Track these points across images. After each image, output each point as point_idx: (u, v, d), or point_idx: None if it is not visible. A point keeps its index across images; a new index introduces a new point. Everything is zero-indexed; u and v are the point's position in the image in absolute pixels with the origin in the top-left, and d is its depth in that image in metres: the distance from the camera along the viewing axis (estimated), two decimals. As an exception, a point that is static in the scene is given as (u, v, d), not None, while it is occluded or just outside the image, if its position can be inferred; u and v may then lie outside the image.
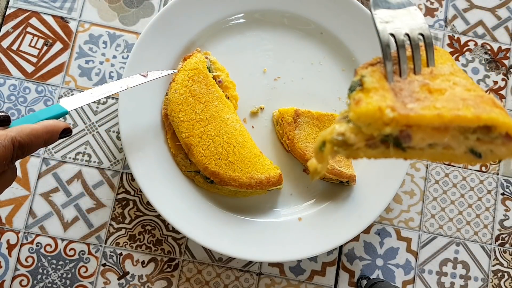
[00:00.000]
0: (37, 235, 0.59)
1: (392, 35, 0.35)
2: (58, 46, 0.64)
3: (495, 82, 0.67)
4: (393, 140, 0.30)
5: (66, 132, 0.44)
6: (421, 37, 0.35)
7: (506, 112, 0.30)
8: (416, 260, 0.62)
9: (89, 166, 0.61)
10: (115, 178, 0.61)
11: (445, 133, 0.29)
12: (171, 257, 0.60)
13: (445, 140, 0.30)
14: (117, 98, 0.62)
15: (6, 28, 0.63)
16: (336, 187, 0.61)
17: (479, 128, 0.30)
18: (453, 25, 0.68)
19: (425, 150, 0.31)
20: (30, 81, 0.62)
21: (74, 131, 0.62)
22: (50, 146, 0.61)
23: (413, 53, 0.34)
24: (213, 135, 0.57)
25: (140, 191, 0.60)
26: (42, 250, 0.59)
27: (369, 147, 0.31)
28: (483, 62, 0.67)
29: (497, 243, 0.63)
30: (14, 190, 0.60)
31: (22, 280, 0.58)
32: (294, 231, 0.58)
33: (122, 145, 0.56)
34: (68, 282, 0.58)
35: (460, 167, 0.64)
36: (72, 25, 0.64)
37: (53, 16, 0.64)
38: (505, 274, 0.62)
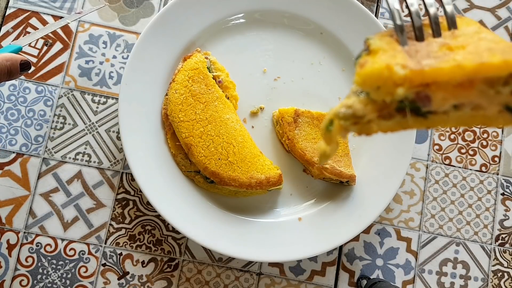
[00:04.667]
0: (37, 235, 0.59)
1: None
2: (58, 46, 0.64)
3: (495, 82, 0.67)
4: (410, 105, 0.26)
5: (25, 65, 0.48)
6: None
7: None
8: (416, 260, 0.62)
9: (89, 166, 0.61)
10: (115, 178, 0.61)
11: (470, 89, 0.25)
12: (171, 257, 0.60)
13: (471, 97, 0.25)
14: (117, 98, 0.62)
15: (6, 28, 0.63)
16: (336, 187, 0.61)
17: None
18: (453, 25, 0.68)
19: (450, 113, 0.26)
20: (30, 81, 0.62)
21: (74, 131, 0.62)
22: (50, 146, 0.61)
23: (429, 16, 0.30)
24: (213, 135, 0.57)
25: (140, 191, 0.60)
26: (42, 250, 0.59)
27: (383, 119, 0.27)
28: (483, 62, 0.67)
29: (497, 243, 0.63)
30: (14, 190, 0.60)
31: (22, 280, 0.58)
32: (294, 231, 0.58)
33: (122, 145, 0.56)
34: (68, 282, 0.58)
35: (460, 167, 0.64)
36: (72, 25, 0.64)
37: (53, 16, 0.64)
38: (505, 274, 0.62)
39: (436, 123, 0.27)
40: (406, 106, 0.26)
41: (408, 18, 0.30)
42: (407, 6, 0.30)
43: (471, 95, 0.25)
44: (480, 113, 0.26)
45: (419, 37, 0.29)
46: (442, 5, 0.30)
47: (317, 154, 0.29)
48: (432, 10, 0.30)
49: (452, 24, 0.29)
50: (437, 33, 0.29)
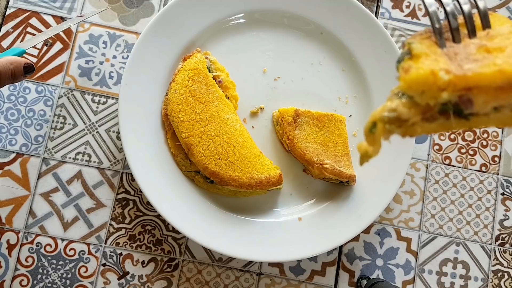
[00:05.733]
0: (37, 235, 0.59)
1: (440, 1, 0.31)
2: (58, 46, 0.64)
3: (495, 82, 0.67)
4: (453, 107, 0.27)
5: (29, 68, 0.49)
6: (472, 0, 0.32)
7: None
8: (416, 260, 0.62)
9: (89, 166, 0.61)
10: (115, 178, 0.61)
11: (510, 92, 0.26)
12: (171, 257, 0.60)
13: (511, 100, 0.26)
14: (117, 98, 0.62)
15: (6, 28, 0.63)
16: (336, 187, 0.61)
17: None
18: (453, 25, 0.68)
19: (491, 115, 0.27)
20: (30, 81, 0.62)
21: (74, 131, 0.62)
22: (50, 146, 0.61)
23: (464, 17, 0.31)
24: (213, 135, 0.57)
25: (140, 191, 0.60)
26: (42, 250, 0.59)
27: (426, 121, 0.28)
28: (483, 62, 0.67)
29: (497, 243, 0.63)
30: (14, 190, 0.60)
31: (22, 280, 0.58)
32: (294, 231, 0.58)
33: (122, 145, 0.56)
34: (68, 282, 0.58)
35: (460, 167, 0.64)
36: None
37: (53, 16, 0.64)
38: (505, 274, 0.62)
39: (477, 124, 0.28)
40: (449, 109, 0.27)
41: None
42: (442, 6, 0.31)
43: (511, 97, 0.26)
44: None
45: (456, 39, 0.30)
46: (475, 2, 0.31)
47: (359, 154, 0.30)
48: (466, 9, 0.30)
49: (486, 22, 0.30)
50: (472, 33, 0.30)
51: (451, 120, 0.28)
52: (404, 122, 0.28)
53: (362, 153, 0.30)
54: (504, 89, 0.26)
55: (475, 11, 0.31)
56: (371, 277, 0.61)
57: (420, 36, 0.31)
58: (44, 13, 0.64)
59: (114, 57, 0.64)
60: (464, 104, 0.26)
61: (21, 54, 0.52)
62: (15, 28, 0.63)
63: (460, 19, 0.31)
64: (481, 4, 0.31)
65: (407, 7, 0.68)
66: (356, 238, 0.61)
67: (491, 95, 0.26)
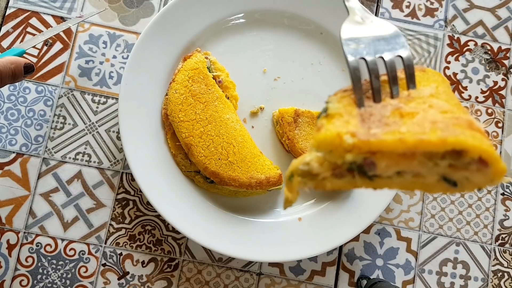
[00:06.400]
0: (37, 235, 0.59)
1: (364, 59, 0.32)
2: (58, 46, 0.64)
3: (495, 82, 0.67)
4: (358, 168, 0.28)
5: (29, 68, 0.49)
6: (399, 59, 0.32)
7: (483, 134, 0.27)
8: (416, 260, 0.62)
9: (89, 166, 0.61)
10: (115, 178, 0.61)
11: (412, 160, 0.27)
12: (171, 257, 0.60)
13: (412, 167, 0.28)
14: (117, 98, 0.62)
15: (6, 28, 0.63)
16: (336, 187, 0.61)
17: (449, 153, 0.27)
18: (453, 25, 0.68)
19: (394, 178, 0.29)
20: (30, 81, 0.62)
21: (74, 131, 0.62)
22: (50, 146, 0.61)
23: (388, 77, 0.32)
24: (213, 135, 0.57)
25: (140, 191, 0.60)
26: (42, 250, 0.59)
27: (335, 177, 0.29)
28: (483, 62, 0.67)
29: (497, 243, 0.63)
30: (14, 190, 0.60)
31: (22, 280, 0.58)
32: (294, 231, 0.58)
33: (122, 145, 0.56)
34: (68, 282, 0.58)
35: (460, 167, 0.64)
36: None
37: (53, 16, 0.64)
38: (505, 274, 0.62)
39: (381, 185, 0.29)
40: (354, 169, 0.29)
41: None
42: (366, 65, 0.32)
43: (412, 164, 0.28)
44: (420, 180, 0.29)
45: (376, 99, 0.31)
46: (403, 62, 0.32)
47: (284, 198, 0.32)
48: (390, 69, 0.32)
49: (410, 83, 0.32)
50: (395, 94, 0.31)
51: (356, 179, 0.29)
52: (316, 176, 0.30)
53: (285, 198, 0.32)
54: (406, 156, 0.27)
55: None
56: (371, 277, 0.61)
57: (342, 93, 0.32)
58: (44, 13, 0.64)
59: (114, 57, 0.64)
60: (367, 166, 0.28)
61: (21, 54, 0.52)
62: (15, 28, 0.63)
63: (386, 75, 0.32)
64: (408, 64, 0.32)
65: (407, 7, 0.68)
66: (356, 238, 0.61)
67: (394, 161, 0.27)
